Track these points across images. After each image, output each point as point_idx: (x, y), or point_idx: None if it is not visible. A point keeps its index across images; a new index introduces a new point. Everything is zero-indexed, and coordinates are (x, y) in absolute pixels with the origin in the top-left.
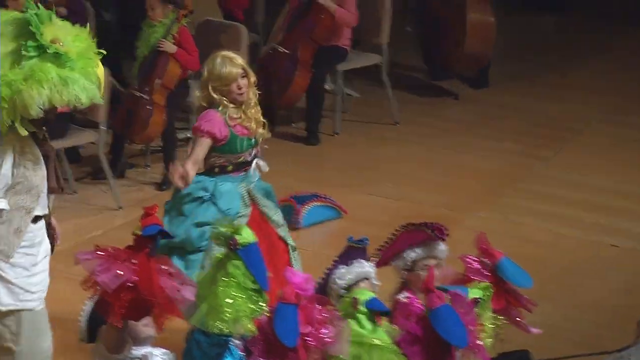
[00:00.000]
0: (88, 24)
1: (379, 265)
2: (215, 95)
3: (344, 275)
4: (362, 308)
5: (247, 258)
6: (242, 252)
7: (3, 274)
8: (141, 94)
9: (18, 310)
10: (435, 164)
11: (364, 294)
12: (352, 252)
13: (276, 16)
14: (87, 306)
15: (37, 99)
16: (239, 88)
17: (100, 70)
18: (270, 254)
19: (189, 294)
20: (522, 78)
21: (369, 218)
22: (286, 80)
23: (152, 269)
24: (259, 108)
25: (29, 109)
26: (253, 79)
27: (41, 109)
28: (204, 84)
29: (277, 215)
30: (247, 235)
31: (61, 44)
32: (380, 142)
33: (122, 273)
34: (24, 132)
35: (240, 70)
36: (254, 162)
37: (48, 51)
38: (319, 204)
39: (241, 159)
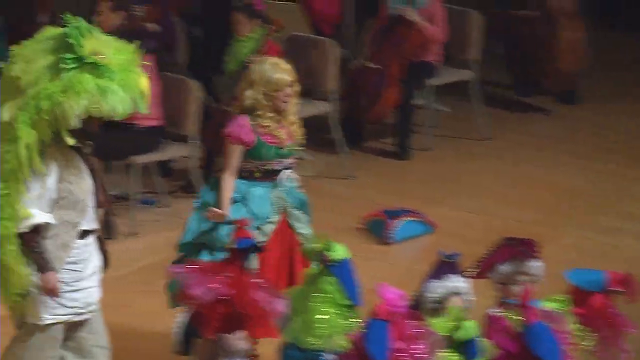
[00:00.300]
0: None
1: (475, 277)
2: (260, 99)
3: (435, 289)
4: None
5: (339, 274)
6: (334, 268)
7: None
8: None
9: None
10: (526, 180)
11: None
12: (444, 267)
13: (365, 31)
14: (181, 319)
15: (75, 109)
16: (287, 95)
17: (144, 82)
18: (290, 266)
19: (281, 307)
20: (613, 95)
21: (458, 233)
22: (375, 95)
23: (245, 282)
24: (296, 119)
25: (68, 120)
26: (297, 89)
27: (80, 119)
28: (251, 86)
29: (304, 229)
30: (339, 252)
31: (101, 56)
32: (470, 157)
33: (216, 286)
34: (71, 141)
35: (290, 78)
36: (283, 172)
37: (86, 62)
38: (410, 219)
39: (267, 167)
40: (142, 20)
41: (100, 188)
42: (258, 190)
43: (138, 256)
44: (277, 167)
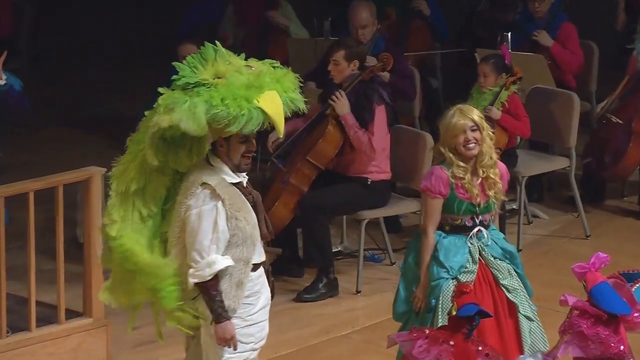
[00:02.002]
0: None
1: None
2: (442, 149)
3: None
4: None
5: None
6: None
7: None
8: None
9: None
10: None
11: None
12: None
13: (609, 84)
14: None
15: (162, 123)
16: (467, 141)
17: (267, 100)
18: (496, 321)
19: None
20: None
21: None
22: (619, 152)
23: (470, 351)
24: (497, 171)
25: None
26: (490, 132)
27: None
28: (440, 137)
29: (508, 280)
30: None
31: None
32: None
33: (441, 355)
34: (154, 160)
35: (468, 122)
36: (478, 229)
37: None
38: None
39: (459, 222)
40: (378, 69)
41: (262, 220)
42: (450, 238)
43: (361, 315)
44: (469, 224)
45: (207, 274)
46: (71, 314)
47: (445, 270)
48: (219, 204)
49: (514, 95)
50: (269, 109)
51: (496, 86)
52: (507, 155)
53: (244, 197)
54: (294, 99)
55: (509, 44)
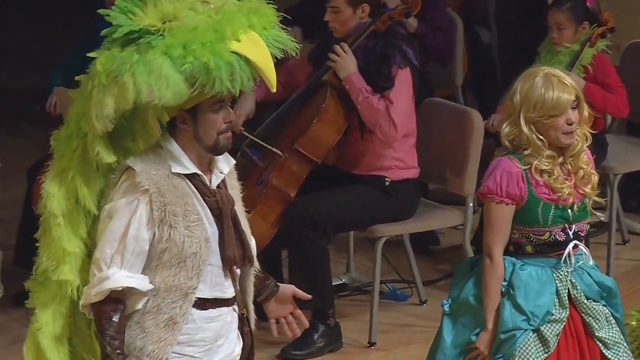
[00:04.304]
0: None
1: None
2: (526, 131)
3: None
4: None
5: None
6: None
7: None
8: None
9: None
10: None
11: None
12: None
13: None
14: None
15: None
16: (569, 124)
17: (245, 43)
18: None
19: None
20: None
21: None
22: None
23: None
24: (587, 158)
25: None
26: (587, 112)
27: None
28: (513, 113)
29: (607, 330)
30: None
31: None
32: None
33: None
34: (108, 157)
35: (572, 97)
36: (573, 245)
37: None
38: None
39: (546, 237)
40: (401, 15)
41: (230, 236)
42: (529, 271)
43: None
44: (561, 238)
45: (92, 293)
46: None
47: (525, 318)
48: (143, 198)
49: (603, 55)
50: (251, 54)
51: (576, 42)
52: (593, 144)
53: (197, 197)
54: (278, 37)
55: None
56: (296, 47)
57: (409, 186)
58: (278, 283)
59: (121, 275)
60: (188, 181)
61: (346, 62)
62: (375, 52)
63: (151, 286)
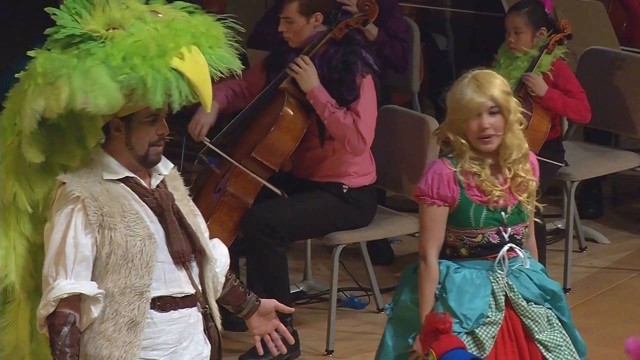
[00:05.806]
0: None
1: None
2: (449, 134)
3: None
4: None
5: None
6: None
7: None
8: None
9: None
10: None
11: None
12: None
13: None
14: None
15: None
16: (482, 129)
17: (186, 60)
18: None
19: None
20: None
21: None
22: None
23: None
24: (528, 167)
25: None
26: (520, 122)
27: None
28: (448, 115)
29: (548, 333)
30: None
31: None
32: None
33: None
34: (37, 157)
35: (486, 101)
36: (507, 248)
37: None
38: None
39: (479, 239)
40: (357, 23)
41: (176, 232)
42: (462, 273)
43: None
44: (495, 240)
45: (40, 306)
46: None
47: (457, 320)
48: (76, 206)
49: (561, 62)
50: (189, 71)
51: (534, 48)
52: (549, 150)
53: (134, 197)
54: (222, 57)
55: None
56: (241, 68)
57: (366, 193)
58: (259, 298)
59: (66, 284)
60: (123, 184)
61: (308, 75)
62: (335, 60)
63: (100, 290)
